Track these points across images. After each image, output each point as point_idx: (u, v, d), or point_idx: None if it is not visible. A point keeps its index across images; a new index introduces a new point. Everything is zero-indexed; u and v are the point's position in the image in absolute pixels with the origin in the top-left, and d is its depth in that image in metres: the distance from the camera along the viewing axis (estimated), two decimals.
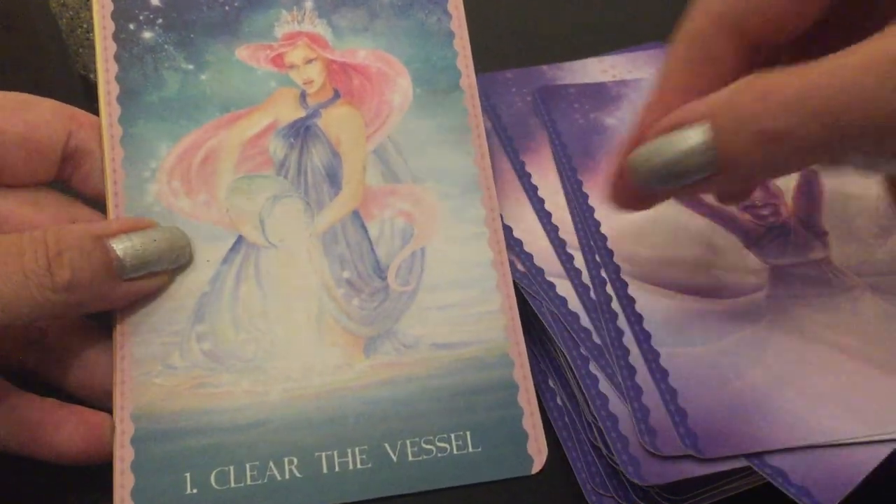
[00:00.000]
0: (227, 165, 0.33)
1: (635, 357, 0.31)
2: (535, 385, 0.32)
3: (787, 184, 0.37)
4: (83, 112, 0.33)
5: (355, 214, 0.33)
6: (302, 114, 0.34)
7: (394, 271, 0.33)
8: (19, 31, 0.46)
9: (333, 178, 0.33)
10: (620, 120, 0.40)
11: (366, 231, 0.33)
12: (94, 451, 0.30)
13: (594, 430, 0.31)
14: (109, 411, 0.30)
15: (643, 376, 0.31)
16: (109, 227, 0.30)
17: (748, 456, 0.29)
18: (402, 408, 0.31)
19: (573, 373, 0.32)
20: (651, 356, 0.31)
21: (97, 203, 0.33)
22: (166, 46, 0.34)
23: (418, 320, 0.32)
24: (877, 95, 0.22)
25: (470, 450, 0.30)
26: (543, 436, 0.31)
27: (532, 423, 0.31)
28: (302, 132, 0.34)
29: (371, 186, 0.34)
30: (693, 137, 0.25)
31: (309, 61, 0.35)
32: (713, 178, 0.26)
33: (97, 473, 0.30)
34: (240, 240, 0.32)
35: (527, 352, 0.32)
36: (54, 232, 0.28)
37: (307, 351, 0.31)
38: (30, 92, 0.33)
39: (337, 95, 0.35)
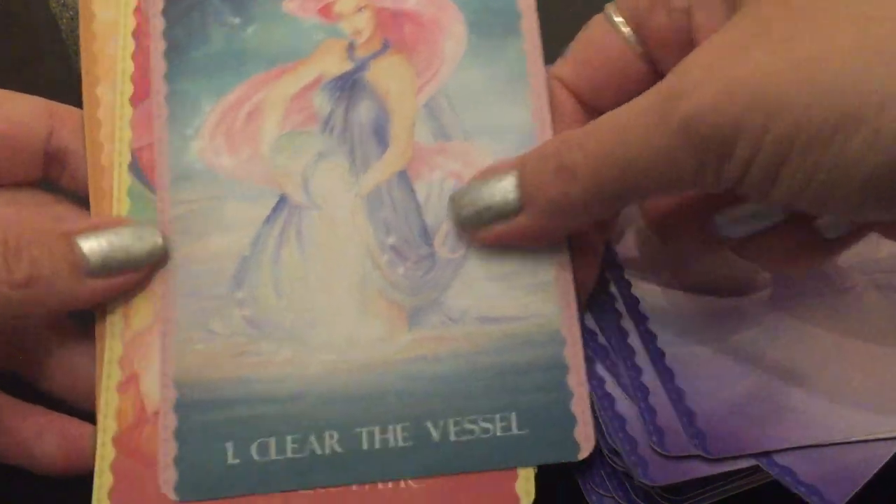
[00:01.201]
0: (272, 122, 0.32)
1: (641, 357, 0.31)
2: None
3: None
4: (66, 107, 0.32)
5: (402, 175, 0.31)
6: (349, 66, 0.33)
7: (442, 236, 0.31)
8: (19, 31, 0.45)
9: (381, 135, 0.32)
10: None
11: (413, 193, 0.31)
12: (73, 463, 0.29)
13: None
14: (93, 411, 0.30)
15: (650, 376, 0.31)
16: (81, 225, 0.29)
17: (756, 455, 0.29)
18: (445, 385, 0.29)
19: None
20: (657, 356, 0.31)
21: (87, 204, 0.32)
22: (213, 0, 0.33)
23: (467, 291, 0.30)
24: (645, 138, 0.24)
25: (515, 432, 0.29)
26: (592, 422, 0.29)
27: (581, 408, 0.29)
28: (349, 87, 0.32)
29: (420, 144, 0.32)
30: (506, 180, 0.28)
31: (359, 9, 0.33)
32: (520, 218, 0.28)
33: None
34: (283, 199, 0.31)
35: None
36: (15, 228, 0.28)
37: (349, 321, 0.30)
38: (30, 92, 0.32)
39: (386, 46, 0.33)
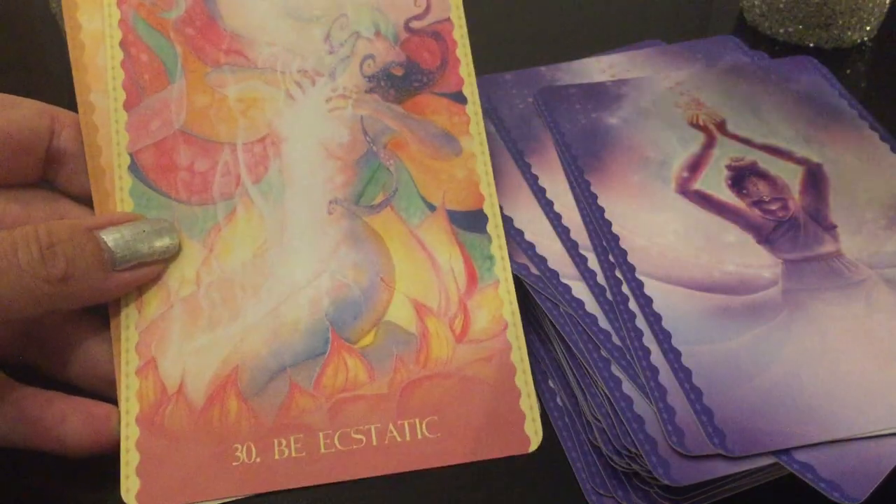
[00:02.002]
0: None
1: (657, 357, 0.31)
2: (534, 385, 0.32)
3: (793, 178, 0.37)
4: (66, 111, 0.33)
5: None
6: None
7: None
8: (19, 31, 0.45)
9: None
10: (623, 119, 0.40)
11: None
12: (100, 441, 0.30)
13: (594, 430, 0.31)
14: (113, 401, 0.31)
15: (666, 376, 0.31)
16: (99, 220, 0.31)
17: (776, 453, 0.29)
18: None
19: (574, 374, 0.32)
20: (673, 355, 0.31)
21: (83, 204, 0.33)
22: None
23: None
24: None
25: None
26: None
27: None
28: None
29: None
30: None
31: None
32: None
33: (103, 467, 0.30)
34: None
35: (527, 353, 0.32)
36: (45, 226, 0.29)
37: None
38: (30, 92, 0.33)
39: None
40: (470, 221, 0.34)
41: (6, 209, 0.32)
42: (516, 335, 0.32)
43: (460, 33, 0.36)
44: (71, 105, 0.34)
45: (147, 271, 0.31)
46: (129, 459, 0.30)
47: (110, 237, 0.30)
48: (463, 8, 0.36)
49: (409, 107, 0.35)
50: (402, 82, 0.35)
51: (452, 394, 0.31)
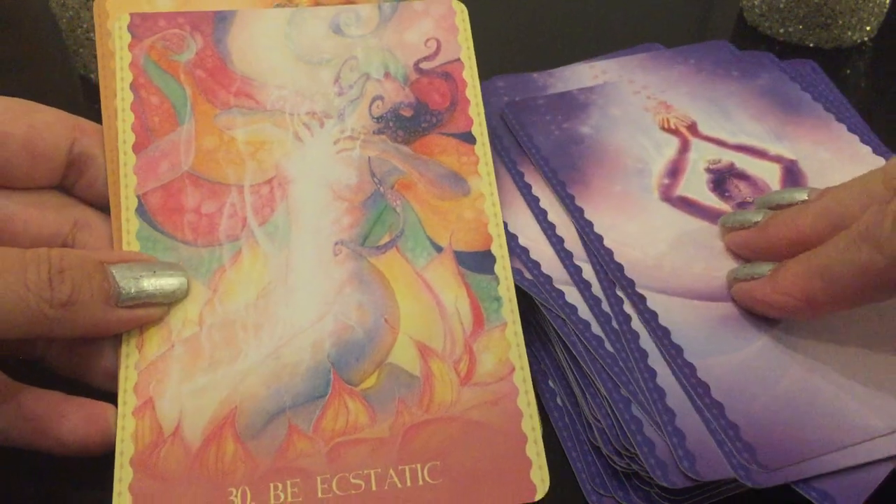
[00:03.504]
0: None
1: (663, 378, 0.30)
2: (533, 385, 0.31)
3: (772, 177, 0.37)
4: (87, 120, 0.34)
5: None
6: None
7: None
8: (19, 31, 0.46)
9: None
10: (594, 128, 0.39)
11: None
12: (99, 440, 0.30)
13: (594, 430, 0.30)
14: (115, 393, 0.31)
15: (675, 397, 0.30)
16: (111, 255, 0.31)
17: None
18: None
19: (574, 374, 0.31)
20: (688, 371, 0.30)
21: (101, 211, 0.34)
22: None
23: None
24: None
25: None
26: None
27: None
28: None
29: None
30: None
31: None
32: None
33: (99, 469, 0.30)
34: None
35: (526, 351, 0.32)
36: (58, 250, 0.29)
37: None
38: (30, 92, 0.34)
39: None
40: (477, 262, 0.33)
41: (21, 212, 0.32)
42: (524, 378, 0.31)
43: (470, 73, 0.36)
44: (71, 106, 0.34)
45: (151, 312, 0.31)
46: (122, 502, 0.29)
47: (119, 273, 0.30)
48: (473, 49, 0.36)
49: (417, 147, 0.35)
50: (411, 123, 0.35)
51: (456, 438, 0.30)
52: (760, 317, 0.32)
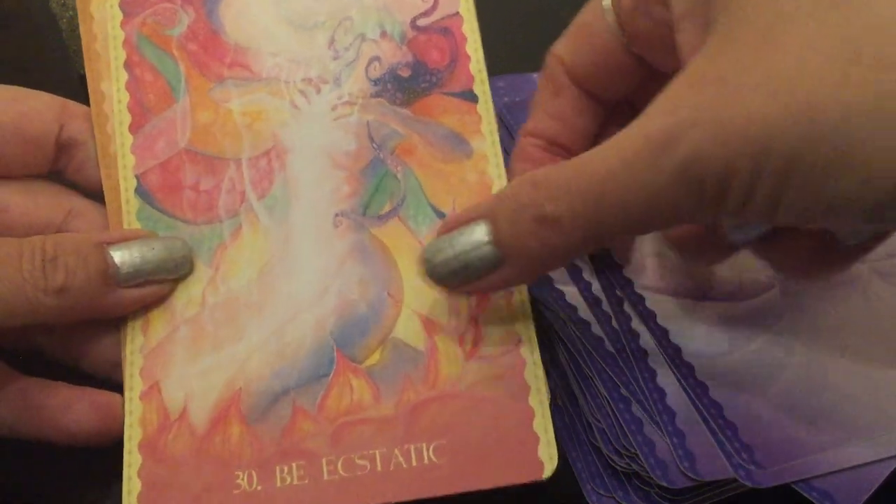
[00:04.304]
0: None
1: (663, 378, 0.30)
2: None
3: None
4: (75, 103, 0.33)
5: None
6: None
7: None
8: (19, 31, 0.45)
9: None
10: None
11: None
12: (106, 430, 0.30)
13: (594, 430, 0.30)
14: (119, 382, 0.31)
15: (675, 396, 0.29)
16: (110, 235, 0.31)
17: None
18: None
19: (574, 374, 0.31)
20: (686, 370, 0.29)
21: (92, 194, 0.34)
22: None
23: None
24: (640, 183, 0.23)
25: None
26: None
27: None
28: None
29: None
30: (477, 231, 0.27)
31: None
32: (501, 271, 0.27)
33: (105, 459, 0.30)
34: None
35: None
36: (53, 237, 0.29)
37: None
38: None
39: None
40: None
41: (14, 200, 0.32)
42: (531, 350, 0.30)
43: (470, 27, 0.34)
44: None
45: (155, 290, 0.31)
46: (131, 488, 0.29)
47: (118, 253, 0.30)
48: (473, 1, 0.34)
49: (416, 109, 0.33)
50: (410, 84, 0.33)
51: (462, 415, 0.29)
52: (759, 317, 0.31)
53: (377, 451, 0.29)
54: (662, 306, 0.31)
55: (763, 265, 0.32)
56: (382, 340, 0.30)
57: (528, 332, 0.30)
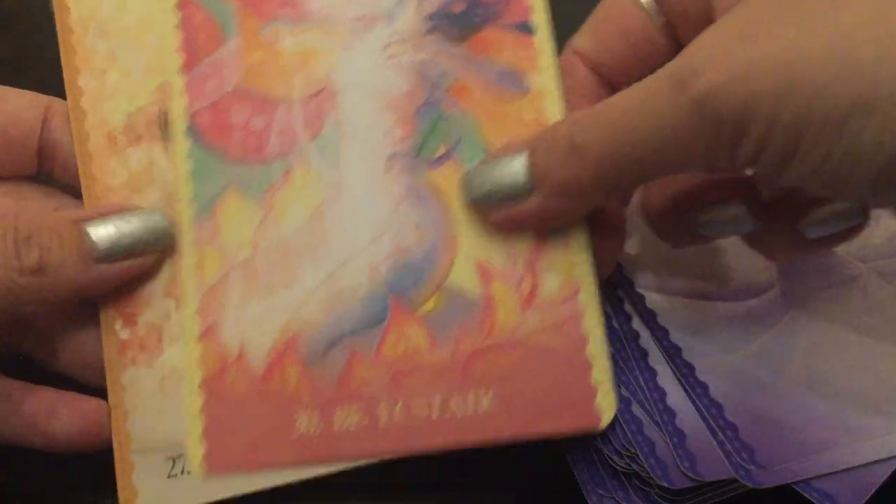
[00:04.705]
0: None
1: (663, 377, 0.29)
2: None
3: None
4: (59, 100, 0.33)
5: None
6: None
7: None
8: (19, 31, 0.45)
9: None
10: None
11: None
12: (91, 437, 0.30)
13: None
14: (101, 390, 0.30)
15: (676, 395, 0.29)
16: (87, 212, 0.30)
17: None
18: None
19: None
20: (686, 370, 0.29)
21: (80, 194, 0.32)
22: None
23: None
24: (657, 118, 0.23)
25: None
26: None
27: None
28: None
29: None
30: (517, 161, 0.27)
31: None
32: (530, 200, 0.27)
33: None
34: None
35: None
36: (26, 216, 0.28)
37: None
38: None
39: None
40: None
41: (2, 204, 0.31)
42: (589, 300, 0.29)
43: None
44: None
45: (135, 262, 0.30)
46: (194, 425, 0.29)
47: (94, 228, 0.29)
48: None
49: (470, 45, 0.32)
50: (463, 18, 0.32)
51: (518, 365, 0.29)
52: (759, 317, 0.31)
53: (434, 398, 0.29)
54: (662, 306, 0.31)
55: (764, 265, 0.32)
56: (438, 287, 0.30)
57: (587, 279, 0.29)
